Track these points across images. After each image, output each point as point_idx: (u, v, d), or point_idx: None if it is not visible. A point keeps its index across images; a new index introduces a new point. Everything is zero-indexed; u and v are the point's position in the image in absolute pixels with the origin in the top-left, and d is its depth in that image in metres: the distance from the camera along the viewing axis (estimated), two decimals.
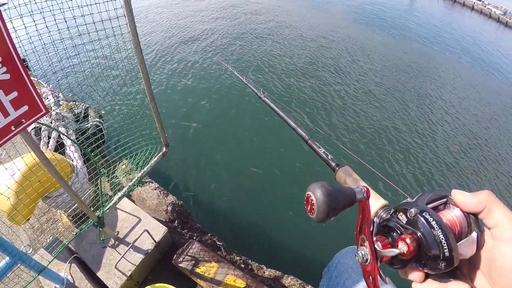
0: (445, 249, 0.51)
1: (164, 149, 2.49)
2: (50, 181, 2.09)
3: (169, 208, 3.08)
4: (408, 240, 0.54)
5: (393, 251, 0.56)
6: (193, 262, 2.40)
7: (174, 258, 2.41)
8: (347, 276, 1.30)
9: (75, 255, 2.37)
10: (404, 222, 0.58)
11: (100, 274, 2.28)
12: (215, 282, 2.29)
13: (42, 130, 3.20)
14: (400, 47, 13.31)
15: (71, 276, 2.30)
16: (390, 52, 12.08)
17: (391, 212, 0.63)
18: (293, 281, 2.72)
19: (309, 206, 0.57)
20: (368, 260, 0.58)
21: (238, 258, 2.85)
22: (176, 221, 3.03)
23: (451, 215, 0.56)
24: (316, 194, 0.55)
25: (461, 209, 0.55)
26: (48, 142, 3.14)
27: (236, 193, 4.69)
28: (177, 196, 3.40)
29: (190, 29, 10.09)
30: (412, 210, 0.56)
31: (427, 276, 0.57)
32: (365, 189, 0.60)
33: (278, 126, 6.01)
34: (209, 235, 3.09)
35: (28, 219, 2.11)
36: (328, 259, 3.81)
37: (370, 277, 0.59)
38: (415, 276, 0.57)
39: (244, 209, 4.47)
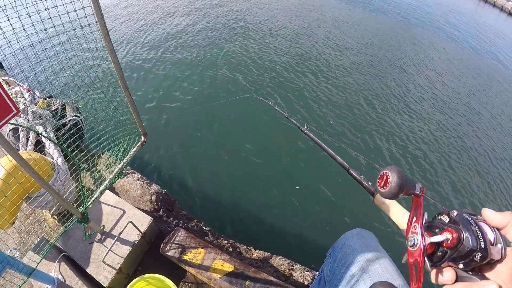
0: (481, 241, 0.58)
1: (142, 138, 2.47)
2: (29, 181, 2.06)
3: (153, 197, 3.08)
4: (451, 231, 0.62)
5: (440, 237, 0.64)
6: (180, 249, 2.41)
7: (161, 247, 2.42)
8: (352, 259, 1.30)
9: (63, 253, 2.36)
10: (447, 222, 0.67)
11: (89, 270, 2.28)
12: (203, 268, 2.31)
13: (20, 129, 3.15)
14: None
15: (61, 275, 2.29)
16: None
17: (434, 216, 0.72)
18: (282, 261, 2.75)
19: (383, 182, 0.72)
20: (417, 245, 0.67)
21: (225, 242, 2.86)
22: (161, 210, 3.02)
23: (481, 225, 0.63)
24: (393, 174, 0.71)
25: (488, 224, 0.63)
26: (27, 142, 3.09)
27: (220, 177, 4.69)
28: (161, 185, 3.39)
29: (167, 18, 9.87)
30: (455, 211, 0.66)
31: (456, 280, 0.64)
32: (422, 187, 0.75)
33: (262, 106, 6.02)
34: (195, 221, 3.09)
35: (13, 223, 2.09)
36: (314, 237, 3.86)
37: (416, 263, 0.67)
38: (447, 276, 0.64)
39: (230, 193, 4.47)
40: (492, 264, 0.61)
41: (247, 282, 2.25)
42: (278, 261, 2.76)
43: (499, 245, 0.60)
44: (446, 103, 7.50)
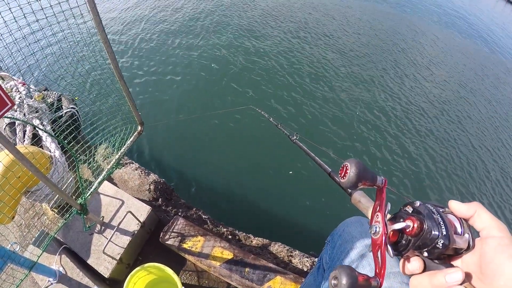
0: (443, 228, 0.61)
1: (139, 128, 2.46)
2: (27, 175, 2.06)
3: (152, 187, 3.08)
4: (413, 219, 0.64)
5: (400, 225, 0.66)
6: (179, 238, 2.42)
7: (160, 236, 2.43)
8: (351, 246, 1.30)
9: (64, 245, 2.37)
10: (410, 212, 0.68)
11: (90, 261, 2.29)
12: (203, 256, 2.33)
13: (16, 124, 3.14)
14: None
15: (63, 268, 2.30)
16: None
17: (400, 208, 0.74)
18: (281, 248, 2.77)
19: (343, 173, 0.76)
20: (379, 233, 0.69)
21: (225, 229, 2.88)
22: (160, 199, 3.03)
23: (449, 216, 0.66)
24: (351, 165, 0.74)
25: (455, 215, 0.66)
26: (24, 135, 3.08)
27: (218, 165, 4.68)
28: (159, 174, 3.39)
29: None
30: (418, 202, 0.68)
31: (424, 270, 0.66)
32: (384, 179, 0.79)
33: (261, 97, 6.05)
34: (194, 209, 3.10)
35: (13, 217, 2.09)
36: (313, 224, 3.87)
37: (379, 251, 0.68)
38: (415, 265, 0.66)
39: (228, 181, 4.47)
40: (460, 254, 0.64)
41: (247, 269, 2.27)
42: (277, 248, 2.78)
43: (466, 235, 0.63)
44: (441, 104, 7.51)
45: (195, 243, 2.40)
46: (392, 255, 0.67)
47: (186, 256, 2.39)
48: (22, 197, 2.24)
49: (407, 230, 0.65)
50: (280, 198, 4.38)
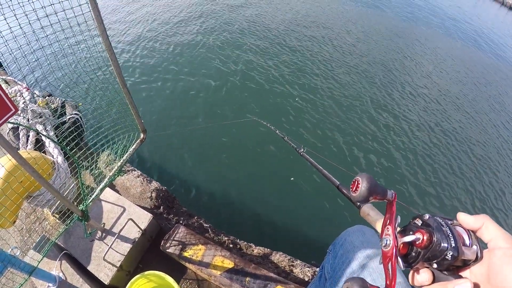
0: (452, 240, 0.62)
1: (141, 135, 2.47)
2: (29, 180, 2.06)
3: (153, 194, 3.08)
4: (423, 232, 0.66)
5: (411, 237, 0.68)
6: (180, 246, 2.41)
7: (161, 244, 2.43)
8: (353, 256, 1.30)
9: (64, 251, 2.37)
10: (419, 225, 0.71)
11: (90, 267, 2.28)
12: (204, 265, 2.32)
13: (20, 128, 3.15)
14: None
15: (63, 273, 2.29)
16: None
17: (409, 221, 0.76)
18: (282, 257, 2.76)
19: (354, 187, 0.78)
20: (390, 245, 0.72)
21: (226, 238, 2.87)
22: (162, 207, 3.03)
23: (457, 228, 0.68)
24: (363, 180, 0.77)
25: (463, 227, 0.68)
26: (27, 140, 3.09)
27: (220, 174, 4.68)
28: (161, 181, 3.38)
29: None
30: (427, 215, 0.70)
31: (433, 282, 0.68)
32: (394, 193, 0.81)
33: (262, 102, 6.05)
34: (195, 217, 3.10)
35: (14, 222, 2.09)
36: (315, 233, 3.86)
37: (390, 263, 0.71)
38: (424, 276, 0.68)
39: (230, 189, 4.47)
40: (469, 265, 0.64)
41: (247, 279, 2.26)
42: (279, 257, 2.77)
43: (474, 247, 0.64)
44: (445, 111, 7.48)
45: (196, 252, 2.39)
46: (402, 267, 0.69)
47: (187, 264, 2.38)
48: (24, 201, 2.25)
49: (417, 243, 0.67)
50: (282, 207, 4.37)
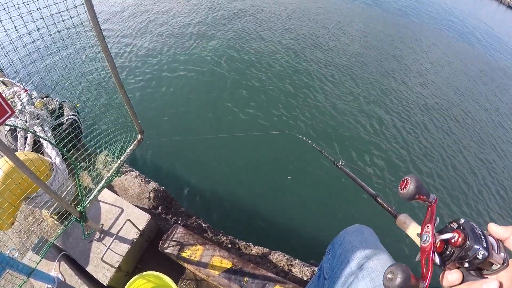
0: (483, 241, 0.68)
1: (139, 136, 2.47)
2: (27, 182, 2.06)
3: (152, 195, 3.08)
4: (459, 232, 0.73)
5: (447, 235, 0.75)
6: (178, 247, 2.42)
7: (160, 244, 2.43)
8: (352, 255, 1.31)
9: (63, 252, 2.36)
10: (455, 228, 0.77)
11: (89, 268, 2.28)
12: (202, 265, 2.32)
13: (17, 130, 3.15)
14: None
15: (61, 274, 2.29)
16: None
17: (446, 225, 0.82)
18: (281, 257, 2.76)
19: (403, 186, 0.87)
20: (429, 241, 0.78)
21: (224, 238, 2.87)
22: (160, 207, 3.03)
23: (489, 237, 0.73)
24: (412, 180, 0.86)
25: (493, 237, 0.73)
26: (25, 142, 3.09)
27: (218, 174, 4.68)
28: (159, 182, 3.38)
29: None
30: (462, 219, 0.77)
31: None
32: (436, 197, 0.90)
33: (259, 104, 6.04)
34: (194, 218, 3.10)
35: (12, 223, 2.09)
36: (313, 233, 3.86)
37: (426, 257, 0.76)
38: (455, 276, 0.72)
39: (229, 190, 4.47)
40: (496, 270, 0.68)
41: (246, 279, 2.26)
42: (277, 257, 2.77)
43: (502, 254, 0.69)
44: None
45: (194, 252, 2.39)
46: (438, 261, 0.75)
47: (185, 264, 2.38)
48: (22, 203, 2.25)
49: (452, 241, 0.73)
50: (281, 207, 4.37)
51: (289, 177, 4.74)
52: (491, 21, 19.25)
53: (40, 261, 2.12)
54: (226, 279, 2.25)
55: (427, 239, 0.79)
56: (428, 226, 0.83)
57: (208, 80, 6.56)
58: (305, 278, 2.59)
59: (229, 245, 2.82)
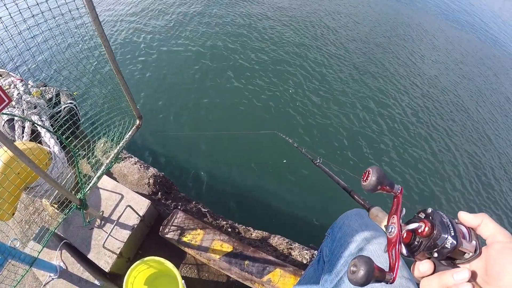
0: (451, 230, 0.68)
1: (137, 121, 2.46)
2: (26, 171, 2.06)
3: (151, 180, 3.08)
4: (425, 221, 0.72)
5: (413, 225, 0.74)
6: (179, 231, 2.43)
7: (160, 230, 2.44)
8: (352, 239, 1.31)
9: (64, 241, 2.38)
10: (423, 217, 0.75)
11: (90, 256, 2.30)
12: (203, 249, 2.33)
13: (15, 119, 3.13)
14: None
15: (63, 263, 2.31)
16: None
17: (414, 215, 0.82)
18: (280, 240, 2.78)
19: (365, 177, 0.84)
20: (395, 232, 0.77)
21: (224, 222, 2.88)
22: (160, 193, 3.03)
23: (459, 226, 0.73)
24: (373, 171, 0.83)
25: (464, 225, 0.74)
26: (23, 131, 3.08)
27: (217, 159, 4.69)
28: (158, 167, 3.38)
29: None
30: (429, 208, 0.76)
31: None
32: (401, 187, 0.87)
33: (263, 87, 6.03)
34: (193, 203, 3.11)
35: (13, 214, 2.09)
36: (313, 216, 3.89)
37: (393, 249, 0.75)
38: (426, 267, 0.72)
39: (228, 174, 4.48)
40: (468, 259, 0.69)
41: (246, 262, 2.28)
42: (277, 241, 2.79)
43: (474, 242, 0.70)
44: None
45: (194, 236, 2.41)
46: (405, 253, 0.75)
47: (186, 249, 2.40)
48: (22, 193, 2.25)
49: (419, 231, 0.72)
50: (280, 191, 4.39)
51: (284, 160, 4.75)
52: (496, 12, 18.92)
53: (41, 250, 2.13)
54: (227, 262, 2.27)
55: (393, 230, 0.79)
56: (394, 217, 0.83)
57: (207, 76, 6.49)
58: (304, 261, 2.61)
59: (229, 229, 2.83)
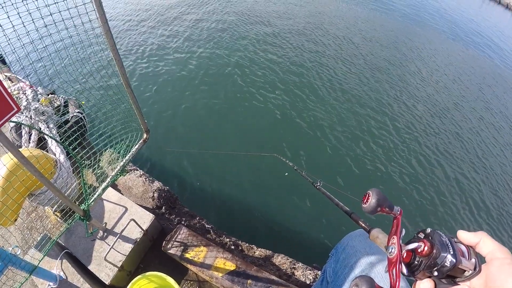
0: (450, 249, 0.70)
1: (145, 135, 2.46)
2: (31, 179, 2.06)
3: (156, 194, 3.07)
4: (425, 241, 0.74)
5: (413, 245, 0.76)
6: (182, 247, 2.41)
7: (163, 245, 2.42)
8: (355, 260, 1.31)
9: (65, 250, 2.36)
10: (422, 237, 0.78)
11: (91, 267, 2.28)
12: (205, 267, 2.31)
13: (22, 126, 3.15)
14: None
15: (64, 273, 2.29)
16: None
17: (414, 235, 0.84)
18: (284, 259, 2.75)
19: (365, 199, 0.90)
20: (395, 252, 0.79)
21: (228, 239, 2.86)
22: (164, 207, 3.02)
23: (458, 245, 0.75)
24: (373, 194, 0.88)
25: (463, 244, 0.75)
26: (30, 138, 3.09)
27: (222, 175, 4.68)
28: (163, 181, 3.38)
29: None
30: (428, 229, 0.78)
31: None
32: (400, 209, 0.91)
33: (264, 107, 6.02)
34: (197, 218, 3.09)
35: (15, 220, 2.08)
36: (316, 236, 3.86)
37: (394, 269, 0.78)
38: (427, 285, 0.73)
39: (232, 191, 4.47)
40: (468, 277, 0.70)
41: (249, 281, 2.25)
42: (280, 260, 2.76)
43: (473, 259, 0.71)
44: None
45: (197, 253, 2.38)
46: (406, 272, 0.77)
47: (188, 266, 2.37)
48: (25, 200, 2.24)
49: (419, 250, 0.74)
50: (283, 209, 4.37)
51: (286, 174, 4.73)
52: (496, 25, 19.04)
53: (42, 258, 2.11)
54: (230, 281, 2.24)
55: (393, 250, 0.81)
56: (394, 237, 0.85)
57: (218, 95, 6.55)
58: (307, 282, 2.58)
59: (232, 247, 2.81)
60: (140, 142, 2.46)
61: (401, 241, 0.83)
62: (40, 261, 2.06)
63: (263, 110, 6.22)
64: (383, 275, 1.22)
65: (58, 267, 2.30)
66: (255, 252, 2.83)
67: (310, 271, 2.66)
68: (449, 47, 12.01)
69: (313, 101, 6.83)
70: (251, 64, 7.66)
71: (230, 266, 2.32)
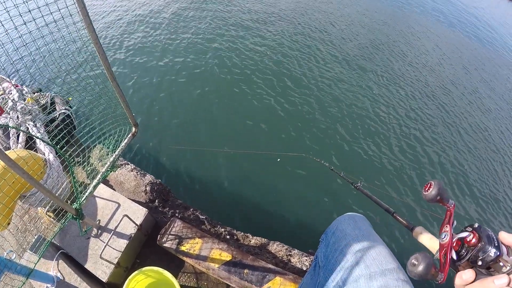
0: (495, 241, 0.78)
1: (133, 129, 2.43)
2: (21, 181, 2.03)
3: (148, 188, 3.06)
4: (474, 232, 0.83)
5: (463, 234, 0.85)
6: (177, 240, 2.40)
7: (158, 238, 2.42)
8: (345, 243, 1.32)
9: (61, 250, 2.34)
10: (470, 230, 0.85)
11: (88, 266, 2.27)
12: (201, 258, 2.31)
13: (9, 128, 3.11)
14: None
15: (60, 273, 2.27)
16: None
17: (462, 229, 0.90)
18: (279, 247, 2.76)
19: (427, 188, 0.96)
20: (447, 239, 0.87)
21: (222, 229, 2.86)
22: (157, 201, 3.01)
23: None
24: (435, 184, 0.94)
25: (504, 244, 0.80)
26: (18, 139, 3.05)
27: (215, 165, 4.66)
28: (155, 174, 3.36)
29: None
30: (476, 223, 0.86)
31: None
32: (454, 203, 0.98)
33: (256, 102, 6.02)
34: (191, 210, 3.08)
35: (8, 224, 2.06)
36: (311, 222, 3.87)
37: (444, 253, 0.85)
38: (468, 274, 0.79)
39: (225, 180, 4.45)
40: (506, 272, 0.74)
41: (246, 270, 2.26)
42: (276, 247, 2.76)
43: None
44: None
45: (193, 245, 2.38)
46: (455, 257, 0.84)
47: (184, 258, 2.37)
48: (17, 203, 2.22)
49: (468, 239, 0.83)
50: (278, 197, 4.37)
51: (278, 159, 4.73)
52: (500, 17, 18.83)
53: (38, 261, 2.09)
54: (226, 271, 2.24)
55: (446, 237, 0.87)
56: (446, 226, 0.91)
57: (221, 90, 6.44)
58: (304, 268, 2.60)
59: (228, 236, 2.81)
60: (129, 136, 2.43)
61: (452, 231, 0.89)
62: (36, 263, 2.04)
63: (256, 99, 6.18)
64: (373, 256, 1.22)
65: (54, 268, 2.29)
66: (250, 241, 2.83)
67: (306, 257, 2.67)
68: (439, 30, 11.95)
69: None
70: (253, 54, 7.55)
71: (226, 256, 2.33)
